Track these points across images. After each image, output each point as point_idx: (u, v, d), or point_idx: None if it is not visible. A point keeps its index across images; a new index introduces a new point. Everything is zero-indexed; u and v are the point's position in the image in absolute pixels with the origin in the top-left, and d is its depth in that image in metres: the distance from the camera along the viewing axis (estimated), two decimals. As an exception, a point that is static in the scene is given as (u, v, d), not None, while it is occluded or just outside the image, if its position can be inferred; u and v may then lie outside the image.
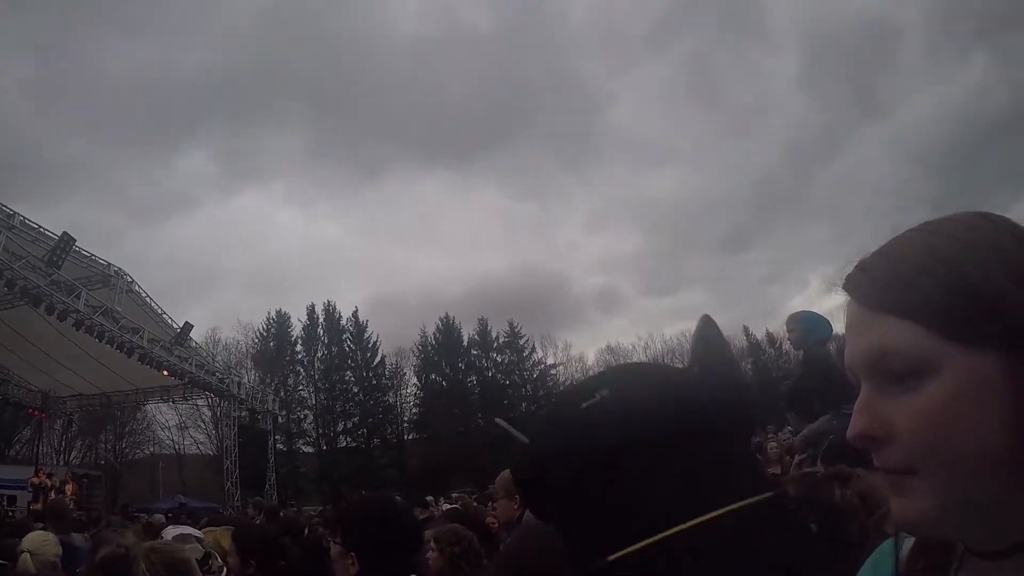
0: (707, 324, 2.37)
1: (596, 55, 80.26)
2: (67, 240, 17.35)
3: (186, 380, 23.86)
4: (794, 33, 77.44)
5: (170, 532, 2.82)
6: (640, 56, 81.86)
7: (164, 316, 22.96)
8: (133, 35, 68.83)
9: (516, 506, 3.26)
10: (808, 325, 4.54)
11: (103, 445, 41.73)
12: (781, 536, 1.51)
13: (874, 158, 70.23)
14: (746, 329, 56.78)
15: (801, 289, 74.37)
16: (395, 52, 72.58)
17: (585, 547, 1.51)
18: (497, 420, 1.90)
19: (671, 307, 77.32)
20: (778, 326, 64.12)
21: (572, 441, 1.58)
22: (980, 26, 67.60)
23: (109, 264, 20.17)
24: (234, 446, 26.39)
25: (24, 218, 16.98)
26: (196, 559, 2.65)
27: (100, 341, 19.16)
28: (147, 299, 22.34)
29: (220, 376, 26.00)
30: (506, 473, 3.48)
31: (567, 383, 51.45)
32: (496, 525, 5.07)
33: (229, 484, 25.74)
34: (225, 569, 3.01)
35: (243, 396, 27.26)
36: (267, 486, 28.03)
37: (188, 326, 22.86)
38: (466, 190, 78.68)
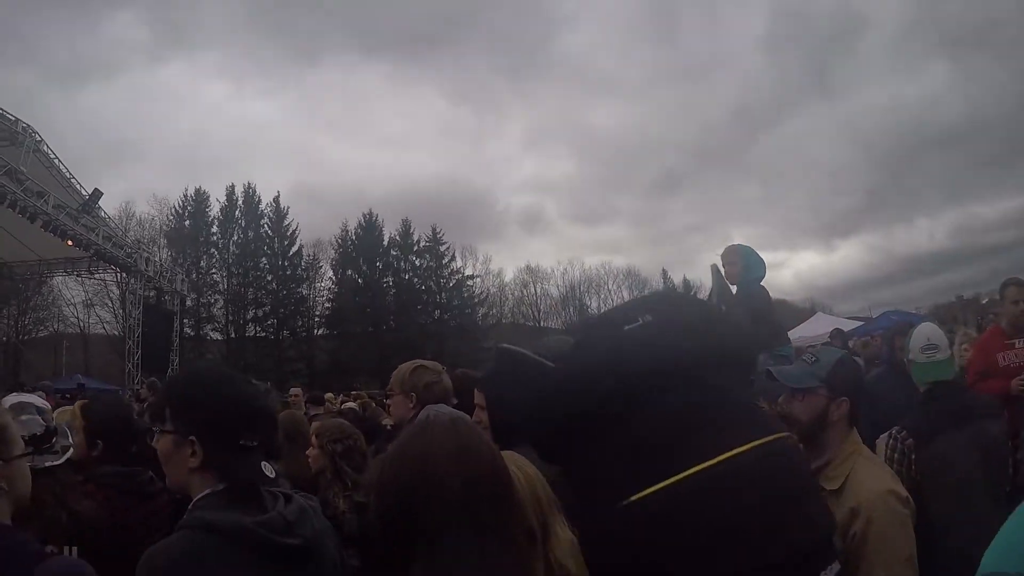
0: (719, 272, 2.96)
1: (561, -30, 78.21)
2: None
3: (92, 252, 22.83)
4: None
5: (10, 400, 2.49)
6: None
7: (73, 182, 21.77)
8: None
9: (412, 404, 3.02)
10: (749, 261, 4.45)
11: (5, 320, 39.60)
12: (793, 471, 1.65)
13: (818, 133, 72.13)
14: (664, 272, 58.46)
15: (723, 243, 76.08)
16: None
17: (613, 481, 1.54)
18: (503, 345, 1.93)
19: (594, 238, 79.01)
20: (696, 274, 66.36)
21: (615, 362, 1.62)
22: (947, 38, 69.28)
23: (17, 120, 18.84)
24: (137, 326, 25.65)
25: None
26: (37, 434, 2.31)
27: (1, 204, 17.88)
28: (56, 162, 21.08)
29: (129, 251, 25.01)
30: (404, 367, 3.24)
31: (483, 295, 52.03)
32: (391, 425, 4.75)
33: (130, 366, 25.10)
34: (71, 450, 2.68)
35: (151, 274, 26.41)
36: (169, 370, 27.27)
37: (97, 193, 21.67)
38: (403, 86, 76.80)
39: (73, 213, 20.61)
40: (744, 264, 4.41)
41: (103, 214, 23.30)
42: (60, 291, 41.16)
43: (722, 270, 4.50)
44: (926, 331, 3.35)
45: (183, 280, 30.97)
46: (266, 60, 77.33)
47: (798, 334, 18.06)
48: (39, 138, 19.71)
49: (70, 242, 21.05)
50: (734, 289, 4.43)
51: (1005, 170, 67.83)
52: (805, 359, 2.50)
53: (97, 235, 22.13)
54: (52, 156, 20.82)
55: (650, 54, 79.32)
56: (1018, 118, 63.08)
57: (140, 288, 26.21)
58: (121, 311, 37.68)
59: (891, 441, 2.99)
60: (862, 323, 21.28)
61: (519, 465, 1.56)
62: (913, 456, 2.91)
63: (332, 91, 77.06)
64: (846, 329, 16.78)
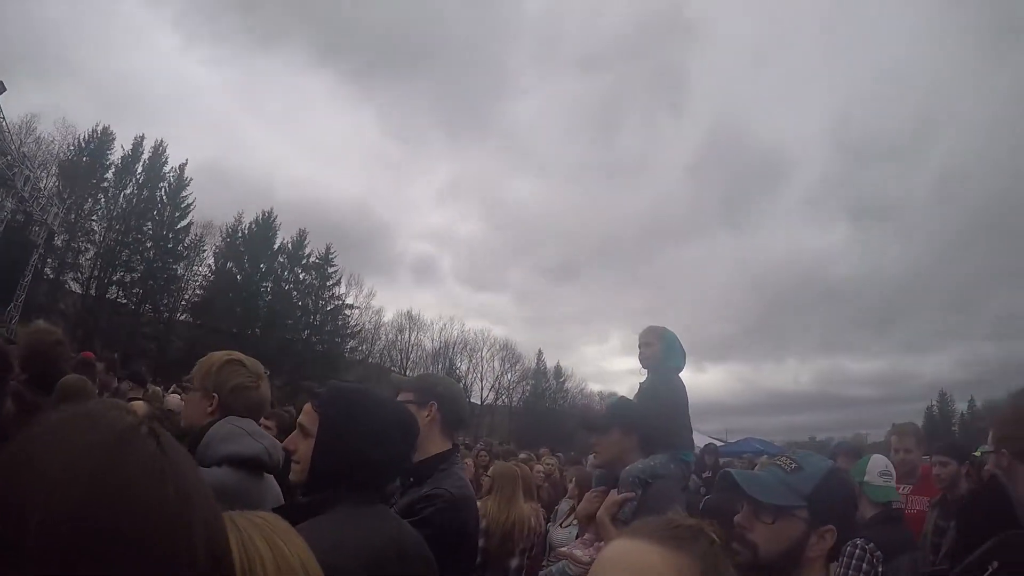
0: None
1: (530, 46, 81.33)
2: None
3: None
4: (705, 122, 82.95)
5: None
6: (566, 69, 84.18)
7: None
8: None
9: (211, 408, 2.59)
10: (669, 345, 3.79)
11: None
12: None
13: (717, 260, 76.66)
14: (540, 353, 59.40)
15: (601, 340, 78.86)
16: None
17: None
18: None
19: (480, 302, 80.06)
20: (569, 362, 67.73)
21: None
22: (855, 206, 76.26)
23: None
24: (-7, 244, 23.68)
25: None
26: None
27: None
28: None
29: (10, 160, 23.48)
30: (213, 357, 2.75)
31: (358, 328, 51.32)
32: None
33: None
34: None
35: (26, 193, 24.76)
36: (12, 304, 25.41)
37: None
38: (344, 102, 76.73)
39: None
40: (664, 348, 3.77)
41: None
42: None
43: (637, 350, 3.88)
44: (882, 460, 3.93)
45: (56, 214, 29.14)
46: (223, 28, 75.92)
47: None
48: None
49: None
50: (644, 375, 3.84)
51: (877, 334, 73.91)
52: (780, 465, 1.86)
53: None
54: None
55: (585, 146, 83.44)
56: (899, 289, 71.58)
57: (10, 204, 24.51)
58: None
59: (859, 552, 3.25)
60: (722, 443, 22.30)
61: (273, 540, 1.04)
62: (880, 569, 3.24)
63: (275, 81, 75.98)
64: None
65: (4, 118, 22.45)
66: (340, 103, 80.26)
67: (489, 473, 5.75)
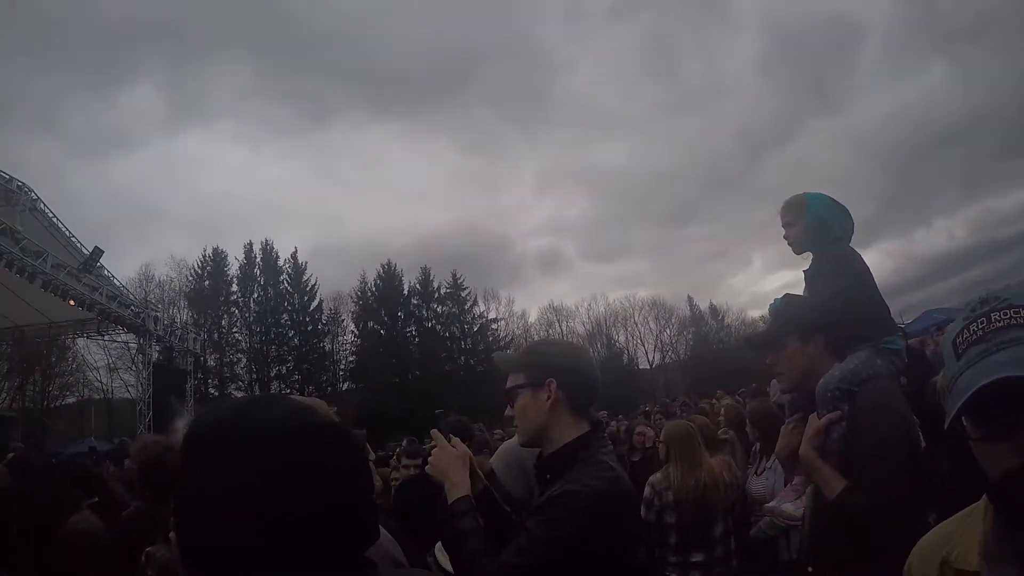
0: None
1: (557, 19, 79.51)
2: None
3: (96, 312, 22.18)
4: (756, 18, 77.91)
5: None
6: (601, 25, 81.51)
7: (74, 241, 21.27)
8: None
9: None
10: (818, 214, 2.75)
11: (32, 388, 39.16)
12: None
13: (825, 148, 71.51)
14: (690, 299, 57.50)
15: (744, 267, 75.77)
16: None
17: None
18: None
19: (615, 273, 78.50)
20: (721, 299, 65.10)
21: None
22: (941, 37, 69.00)
23: (11, 178, 18.38)
24: (148, 386, 24.75)
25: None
26: None
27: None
28: (55, 220, 20.61)
29: (136, 310, 24.39)
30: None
31: (508, 338, 51.34)
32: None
33: (142, 427, 23.97)
34: None
35: (160, 332, 25.75)
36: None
37: (98, 251, 20.98)
38: (414, 141, 77.64)
39: (74, 272, 20.08)
40: (813, 220, 2.73)
41: (105, 272, 22.80)
42: (84, 356, 40.86)
43: (787, 229, 2.83)
44: None
45: (195, 338, 30.39)
46: (278, 123, 78.46)
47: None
48: (35, 196, 19.23)
49: (72, 302, 20.51)
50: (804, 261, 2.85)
51: (1015, 161, 66.24)
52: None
53: (101, 294, 21.48)
54: (51, 215, 20.39)
55: (649, 88, 79.73)
56: (1018, 111, 62.17)
57: (148, 347, 25.48)
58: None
59: None
60: (902, 326, 19.99)
61: None
62: None
63: (343, 149, 77.72)
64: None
65: (112, 276, 23.33)
66: (410, 143, 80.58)
67: (661, 438, 5.01)
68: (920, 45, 74.97)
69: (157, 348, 26.37)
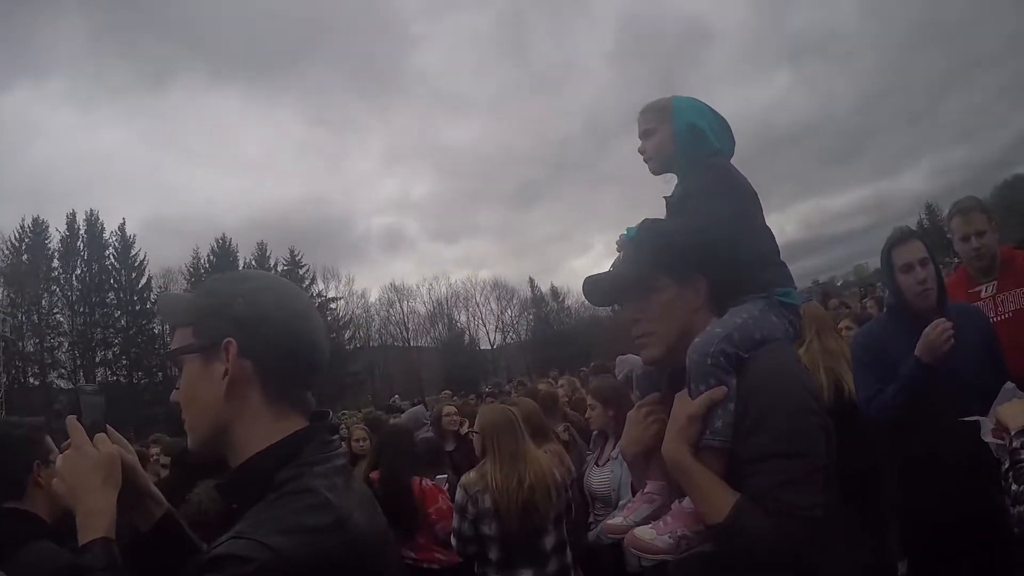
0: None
1: (410, -6, 78.46)
2: None
3: None
4: (612, 11, 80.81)
5: None
6: (456, 2, 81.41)
7: None
8: None
9: None
10: (686, 120, 1.93)
11: None
12: None
13: None
14: (531, 281, 59.26)
15: (585, 250, 78.87)
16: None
17: None
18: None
19: (457, 253, 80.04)
20: (562, 281, 67.72)
21: None
22: (788, 49, 74.97)
23: None
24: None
25: None
26: None
27: None
28: None
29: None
30: None
31: (347, 317, 51.15)
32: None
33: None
34: None
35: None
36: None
37: None
38: (258, 109, 75.26)
39: None
40: (682, 127, 1.93)
41: None
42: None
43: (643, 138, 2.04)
44: None
45: (5, 320, 28.50)
46: (113, 84, 73.66)
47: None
48: None
49: None
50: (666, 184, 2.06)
51: (846, 166, 74.33)
52: None
53: None
54: None
55: (502, 70, 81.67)
56: (856, 117, 74.46)
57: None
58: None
59: None
60: None
61: None
62: None
63: (182, 115, 73.97)
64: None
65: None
66: (254, 112, 78.09)
67: (476, 428, 3.96)
68: (768, 54, 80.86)
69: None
